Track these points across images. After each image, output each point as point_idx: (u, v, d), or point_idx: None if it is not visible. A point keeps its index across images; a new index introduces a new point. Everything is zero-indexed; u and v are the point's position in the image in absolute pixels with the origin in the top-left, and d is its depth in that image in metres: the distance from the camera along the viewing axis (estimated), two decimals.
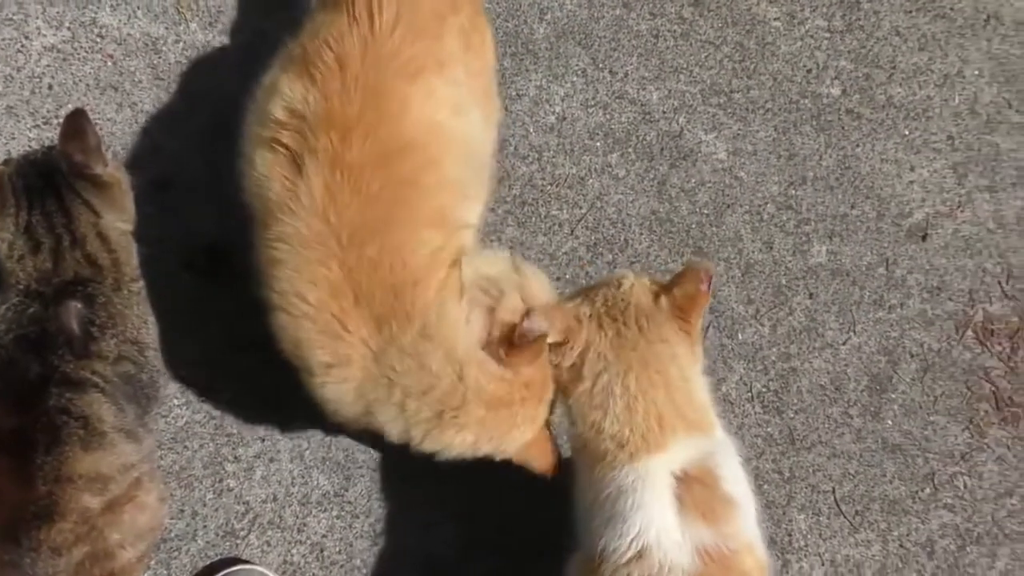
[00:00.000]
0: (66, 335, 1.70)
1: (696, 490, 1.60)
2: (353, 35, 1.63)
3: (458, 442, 1.70)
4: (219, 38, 2.30)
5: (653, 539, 1.58)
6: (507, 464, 2.08)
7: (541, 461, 1.78)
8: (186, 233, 2.18)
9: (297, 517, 2.07)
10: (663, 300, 1.70)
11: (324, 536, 2.07)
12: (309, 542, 2.06)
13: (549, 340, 1.70)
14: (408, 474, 2.11)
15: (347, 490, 2.09)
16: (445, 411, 1.67)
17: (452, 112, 1.68)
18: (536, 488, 2.06)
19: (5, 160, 1.85)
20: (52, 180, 1.78)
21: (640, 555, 1.57)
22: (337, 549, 2.06)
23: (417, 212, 1.63)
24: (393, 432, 1.72)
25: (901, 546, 2.16)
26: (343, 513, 2.08)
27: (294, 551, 2.05)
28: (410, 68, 1.63)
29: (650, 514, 1.59)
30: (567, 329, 1.71)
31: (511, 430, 1.72)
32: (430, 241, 1.64)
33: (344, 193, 1.59)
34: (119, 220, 1.84)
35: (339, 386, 1.68)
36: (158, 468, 1.95)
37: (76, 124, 1.78)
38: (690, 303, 1.69)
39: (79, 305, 1.72)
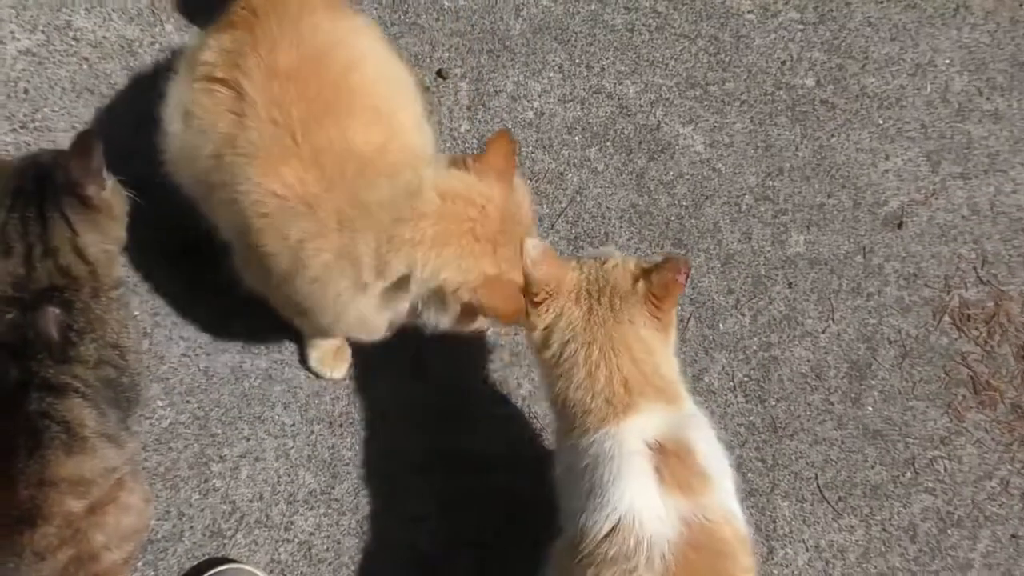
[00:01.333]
0: (45, 341, 1.69)
1: (672, 463, 1.60)
2: None
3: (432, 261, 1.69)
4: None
5: (632, 510, 1.57)
6: (493, 457, 2.11)
7: (503, 305, 1.70)
8: (161, 232, 2.17)
9: (284, 516, 2.07)
10: (640, 284, 1.72)
11: (312, 534, 2.07)
12: (297, 540, 2.06)
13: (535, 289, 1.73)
14: (394, 470, 2.12)
15: (333, 488, 2.10)
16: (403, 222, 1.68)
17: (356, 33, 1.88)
18: (522, 480, 2.08)
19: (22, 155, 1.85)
20: (43, 188, 1.77)
21: (618, 528, 1.57)
22: (325, 547, 2.06)
23: (353, 109, 1.75)
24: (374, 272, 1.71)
25: (884, 530, 2.19)
26: (330, 511, 2.08)
27: (282, 550, 2.05)
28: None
29: (629, 485, 1.59)
30: (550, 280, 1.73)
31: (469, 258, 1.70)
32: (373, 139, 1.74)
33: (287, 96, 1.70)
34: (101, 241, 1.82)
35: (319, 257, 1.70)
36: (142, 469, 1.95)
37: (83, 143, 1.78)
38: (664, 291, 1.71)
39: (57, 311, 1.71)
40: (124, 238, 1.88)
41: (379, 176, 1.70)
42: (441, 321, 1.77)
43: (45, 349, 1.68)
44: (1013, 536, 2.21)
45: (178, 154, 1.84)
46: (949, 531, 2.20)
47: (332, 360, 2.14)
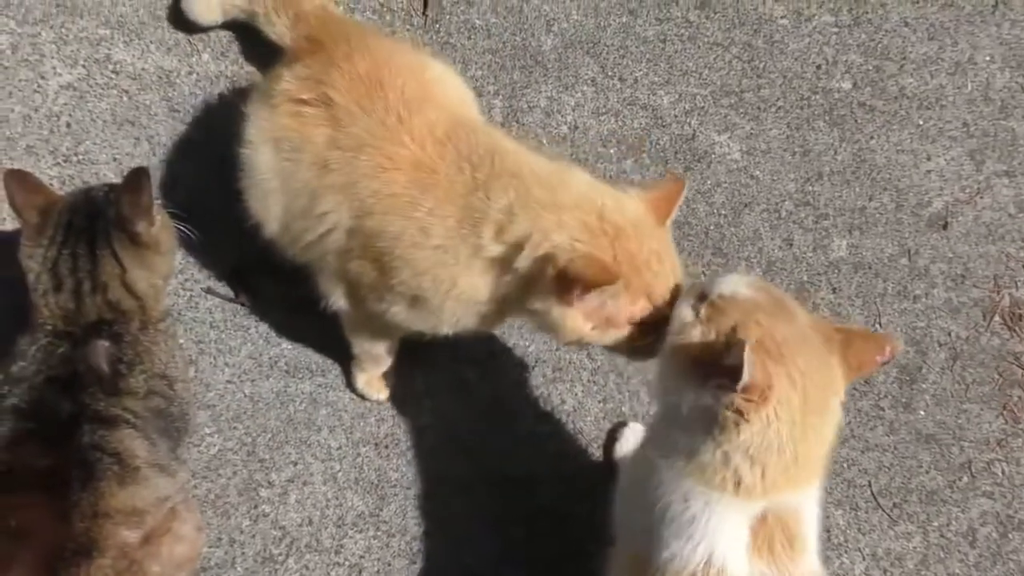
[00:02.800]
0: (96, 374, 1.72)
1: (773, 529, 1.54)
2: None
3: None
4: (231, 68, 2.31)
5: (718, 556, 1.52)
6: (538, 474, 2.09)
7: (592, 273, 1.63)
8: (208, 261, 2.20)
9: (334, 539, 2.07)
10: (835, 358, 1.57)
11: (362, 557, 2.07)
12: (347, 564, 2.06)
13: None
14: (441, 490, 2.11)
15: (382, 510, 2.09)
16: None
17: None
18: (567, 496, 2.07)
19: (75, 190, 1.88)
20: (94, 223, 1.80)
21: (700, 568, 1.52)
22: (375, 569, 2.06)
23: (439, 94, 1.88)
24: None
25: (942, 536, 2.14)
26: (379, 533, 2.08)
27: (333, 573, 2.05)
28: None
29: (722, 539, 1.53)
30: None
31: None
32: (470, 113, 1.94)
33: (377, 91, 1.81)
34: (149, 276, 1.84)
35: (445, 222, 1.73)
36: (193, 498, 1.96)
37: (135, 180, 1.80)
38: (859, 371, 1.60)
39: (107, 344, 1.74)
40: (173, 271, 1.91)
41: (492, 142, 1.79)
42: (533, 305, 1.72)
43: (96, 382, 1.71)
44: None
45: (270, 182, 1.88)
46: (1010, 535, 2.15)
47: (378, 382, 2.15)
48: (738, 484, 1.53)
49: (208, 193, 2.24)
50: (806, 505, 1.58)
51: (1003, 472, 2.20)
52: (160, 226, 1.85)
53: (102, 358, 1.72)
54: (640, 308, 1.69)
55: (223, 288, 2.19)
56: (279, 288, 2.16)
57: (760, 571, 1.53)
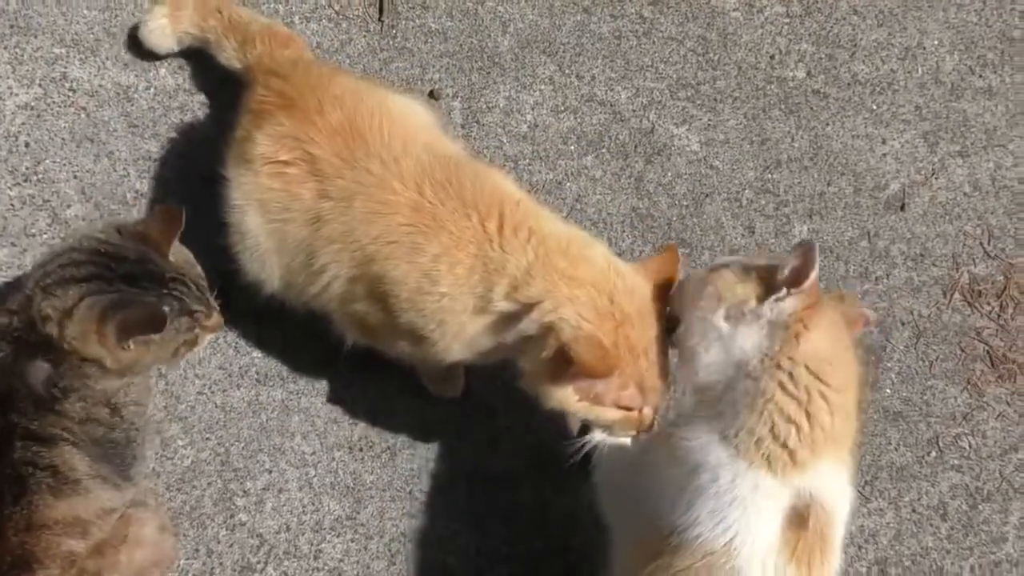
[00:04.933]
0: (30, 393, 1.65)
1: (805, 528, 1.56)
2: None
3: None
4: (189, 82, 2.32)
5: (745, 543, 1.54)
6: (516, 471, 2.10)
7: (591, 360, 1.67)
8: None
9: (312, 544, 2.07)
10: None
11: (341, 561, 2.07)
12: (326, 568, 2.06)
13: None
14: (416, 490, 2.11)
15: (358, 512, 2.10)
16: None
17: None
18: (547, 492, 2.08)
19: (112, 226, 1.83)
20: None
21: (720, 552, 1.54)
22: (355, 572, 2.06)
23: (414, 129, 1.91)
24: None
25: (914, 511, 2.17)
26: (357, 536, 2.08)
27: None
28: None
29: (754, 525, 1.55)
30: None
31: None
32: (449, 148, 1.94)
33: (357, 139, 1.83)
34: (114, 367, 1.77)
35: (454, 269, 1.75)
36: (156, 500, 1.94)
37: (149, 314, 1.70)
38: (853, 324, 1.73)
39: (47, 366, 1.67)
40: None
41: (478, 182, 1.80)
42: (526, 366, 1.77)
43: (29, 401, 1.64)
44: None
45: (264, 244, 1.89)
46: (980, 506, 2.18)
47: (447, 384, 2.17)
48: (782, 448, 1.57)
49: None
50: (843, 508, 1.61)
51: (970, 445, 2.24)
52: (132, 354, 1.73)
53: (39, 380, 1.66)
54: (629, 395, 1.74)
55: None
56: (247, 297, 2.15)
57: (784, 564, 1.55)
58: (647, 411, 1.77)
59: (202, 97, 2.31)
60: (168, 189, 2.25)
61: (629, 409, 1.76)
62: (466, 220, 1.76)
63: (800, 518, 1.55)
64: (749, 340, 1.63)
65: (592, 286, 1.72)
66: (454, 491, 2.12)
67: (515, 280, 1.73)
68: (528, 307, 1.72)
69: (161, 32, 2.24)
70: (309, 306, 1.93)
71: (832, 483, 1.61)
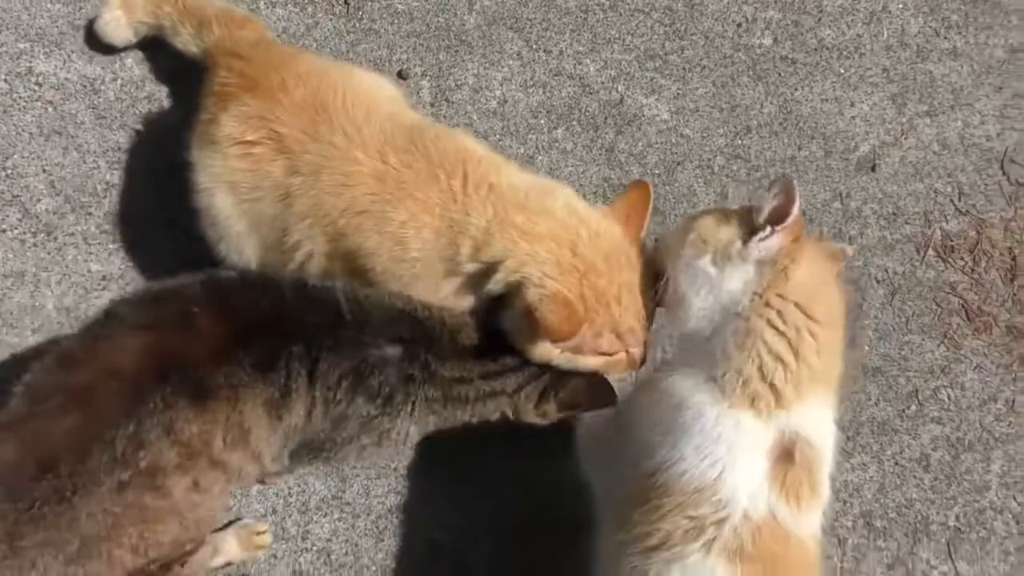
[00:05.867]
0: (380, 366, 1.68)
1: (792, 464, 1.58)
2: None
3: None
4: (155, 70, 2.31)
5: (731, 477, 1.57)
6: (498, 442, 2.10)
7: (558, 323, 1.69)
8: (147, 264, 2.19)
9: (299, 526, 2.07)
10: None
11: (329, 540, 2.06)
12: (315, 548, 2.06)
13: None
14: (401, 466, 2.11)
15: (344, 492, 2.09)
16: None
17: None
18: (532, 460, 2.08)
19: None
20: None
21: (708, 488, 1.57)
22: (344, 551, 2.06)
23: (377, 100, 1.91)
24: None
25: (896, 464, 2.19)
26: (344, 515, 2.08)
27: (301, 559, 2.05)
28: None
29: (740, 460, 1.57)
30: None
31: None
32: (412, 116, 1.95)
33: (322, 114, 1.83)
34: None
35: (421, 233, 1.76)
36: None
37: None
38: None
39: (399, 353, 1.70)
40: None
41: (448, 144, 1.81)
42: (504, 323, 1.78)
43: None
44: None
45: (236, 226, 1.89)
46: (962, 456, 2.20)
47: None
48: (769, 387, 1.59)
49: (143, 198, 2.24)
50: (828, 443, 1.63)
51: (949, 397, 2.25)
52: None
53: (387, 360, 1.68)
54: (606, 342, 1.75)
55: None
56: None
57: (779, 510, 1.57)
58: (633, 350, 1.78)
59: (169, 86, 2.30)
60: (139, 180, 2.25)
61: (611, 354, 1.76)
62: (433, 182, 1.77)
63: (787, 453, 1.57)
64: (738, 281, 1.65)
65: (552, 240, 1.73)
66: (438, 466, 2.12)
67: (476, 241, 1.74)
68: (492, 267, 1.73)
69: (116, 24, 2.22)
70: None
71: (817, 420, 1.63)
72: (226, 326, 1.59)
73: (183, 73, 2.25)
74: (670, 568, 1.56)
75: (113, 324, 1.59)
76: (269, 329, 1.62)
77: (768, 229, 1.63)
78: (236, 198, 1.87)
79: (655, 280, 1.78)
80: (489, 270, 1.74)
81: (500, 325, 1.78)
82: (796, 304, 1.62)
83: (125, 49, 2.30)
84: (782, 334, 1.61)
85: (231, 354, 1.57)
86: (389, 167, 1.78)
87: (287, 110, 1.84)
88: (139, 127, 2.29)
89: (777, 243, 1.63)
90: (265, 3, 2.44)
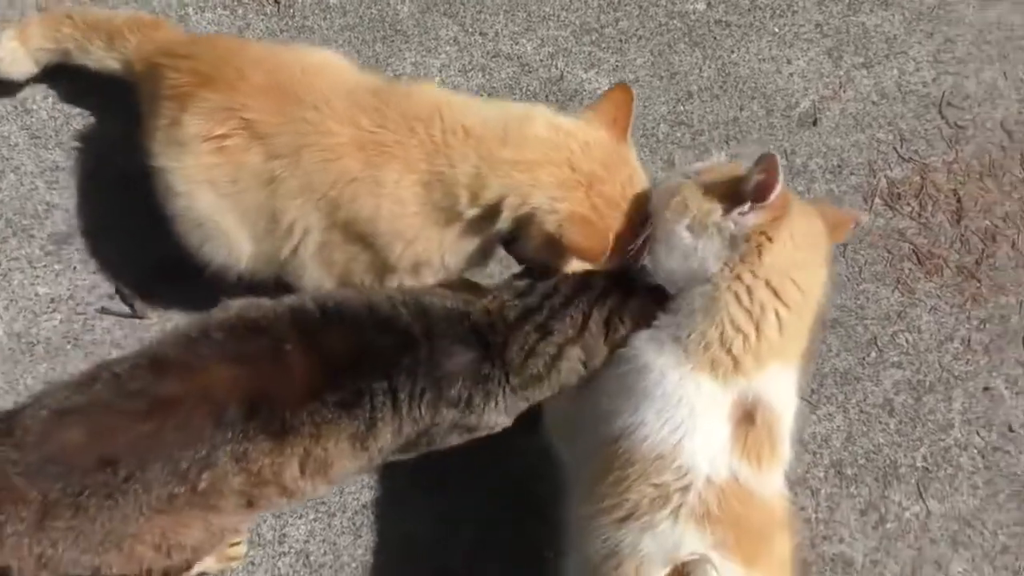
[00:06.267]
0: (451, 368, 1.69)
1: (753, 426, 1.61)
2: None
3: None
4: (87, 84, 2.26)
5: (692, 443, 1.58)
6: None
7: (587, 243, 1.73)
8: (96, 281, 2.16)
9: (275, 530, 2.05)
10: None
11: (306, 542, 2.05)
12: (293, 551, 2.04)
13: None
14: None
15: None
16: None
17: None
18: (506, 446, 2.07)
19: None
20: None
21: (668, 455, 1.58)
22: (322, 551, 2.04)
23: (340, 70, 1.94)
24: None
25: (861, 411, 2.21)
26: (319, 515, 2.06)
27: (280, 563, 2.03)
28: None
29: (701, 424, 1.59)
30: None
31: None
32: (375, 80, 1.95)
33: (286, 94, 1.83)
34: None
35: (413, 188, 1.77)
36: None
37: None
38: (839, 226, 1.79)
39: (472, 357, 1.70)
40: None
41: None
42: (526, 253, 1.82)
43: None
44: (985, 388, 2.25)
45: (223, 222, 1.87)
46: (924, 398, 2.23)
47: None
48: (727, 354, 1.61)
49: (86, 213, 2.21)
50: (788, 407, 1.66)
51: (907, 341, 2.28)
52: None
53: (462, 367, 1.68)
54: (624, 233, 1.77)
55: (117, 305, 2.15)
56: (178, 293, 2.13)
57: (741, 472, 1.59)
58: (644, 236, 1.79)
59: (101, 98, 2.26)
60: (80, 197, 2.21)
61: (635, 248, 1.78)
62: (411, 136, 1.77)
63: (747, 416, 1.58)
64: (711, 251, 1.66)
65: (547, 163, 1.74)
66: (411, 461, 2.10)
67: (471, 187, 1.75)
68: (494, 207, 1.74)
69: (13, 58, 2.12)
70: (285, 272, 1.91)
71: (776, 387, 1.65)
72: (315, 364, 1.61)
73: (113, 85, 2.21)
74: (642, 537, 1.57)
75: (208, 346, 1.60)
76: (354, 365, 1.63)
77: (747, 206, 1.63)
78: (217, 194, 1.85)
79: (642, 221, 1.78)
80: (491, 211, 1.75)
81: (521, 256, 1.83)
82: (767, 283, 1.63)
83: (26, 83, 2.23)
84: (746, 310, 1.62)
85: (317, 393, 1.59)
86: (364, 131, 1.78)
87: (251, 96, 1.82)
88: (76, 144, 2.25)
89: (754, 220, 1.63)
90: (194, 8, 2.41)
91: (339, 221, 1.81)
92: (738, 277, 1.63)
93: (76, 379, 1.61)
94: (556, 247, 1.75)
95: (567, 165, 1.75)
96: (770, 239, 1.63)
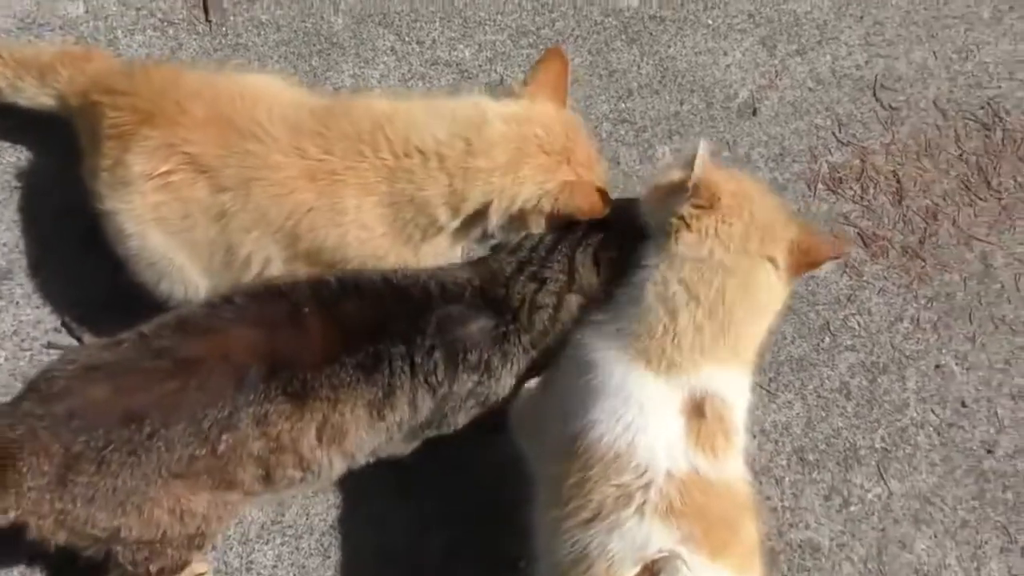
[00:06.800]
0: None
1: (705, 419, 1.63)
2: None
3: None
4: (19, 119, 2.20)
5: (646, 443, 1.60)
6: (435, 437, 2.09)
7: (586, 202, 1.80)
8: (40, 316, 2.11)
9: (242, 558, 2.02)
10: (792, 231, 1.73)
11: (275, 567, 2.02)
12: None
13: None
14: (339, 480, 2.08)
15: (283, 515, 2.05)
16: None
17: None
18: (467, 452, 2.07)
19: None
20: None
21: (624, 450, 1.59)
22: (291, 574, 2.02)
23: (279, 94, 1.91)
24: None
25: (819, 397, 2.24)
26: (286, 539, 2.04)
27: None
28: None
29: (655, 420, 1.61)
30: (716, 188, 1.68)
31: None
32: (318, 99, 1.93)
33: (228, 125, 1.80)
34: None
35: (376, 211, 1.79)
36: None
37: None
38: (811, 255, 1.74)
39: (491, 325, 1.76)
40: None
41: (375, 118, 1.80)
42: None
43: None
44: (937, 366, 2.29)
45: (176, 259, 1.85)
46: (879, 379, 2.27)
47: None
48: (660, 347, 1.63)
49: (26, 248, 2.16)
50: (740, 400, 1.69)
51: (859, 324, 2.32)
52: None
53: (481, 336, 1.75)
54: (604, 184, 1.88)
55: (64, 338, 2.10)
56: (126, 322, 2.08)
57: (699, 463, 1.60)
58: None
59: (37, 132, 2.20)
60: (19, 232, 2.16)
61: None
62: (360, 159, 1.76)
63: (697, 408, 1.60)
64: (652, 243, 1.72)
65: (523, 158, 1.78)
66: (372, 469, 2.08)
67: (450, 203, 1.77)
68: (481, 213, 1.77)
69: None
70: None
71: (722, 381, 1.67)
72: (333, 328, 1.66)
73: (48, 118, 2.16)
74: (610, 538, 1.58)
75: (231, 310, 1.66)
76: (372, 330, 1.68)
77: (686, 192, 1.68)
78: (168, 232, 1.83)
79: None
80: (477, 216, 1.78)
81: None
82: (679, 273, 1.67)
83: None
84: (663, 301, 1.66)
85: (336, 356, 1.64)
86: (312, 160, 1.76)
87: (193, 130, 1.79)
88: (12, 179, 2.20)
89: (678, 207, 1.67)
90: (123, 32, 2.36)
91: (302, 251, 1.79)
92: (658, 266, 1.68)
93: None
94: (559, 218, 1.80)
95: (541, 152, 1.79)
96: (687, 226, 1.67)
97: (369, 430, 1.72)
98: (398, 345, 1.68)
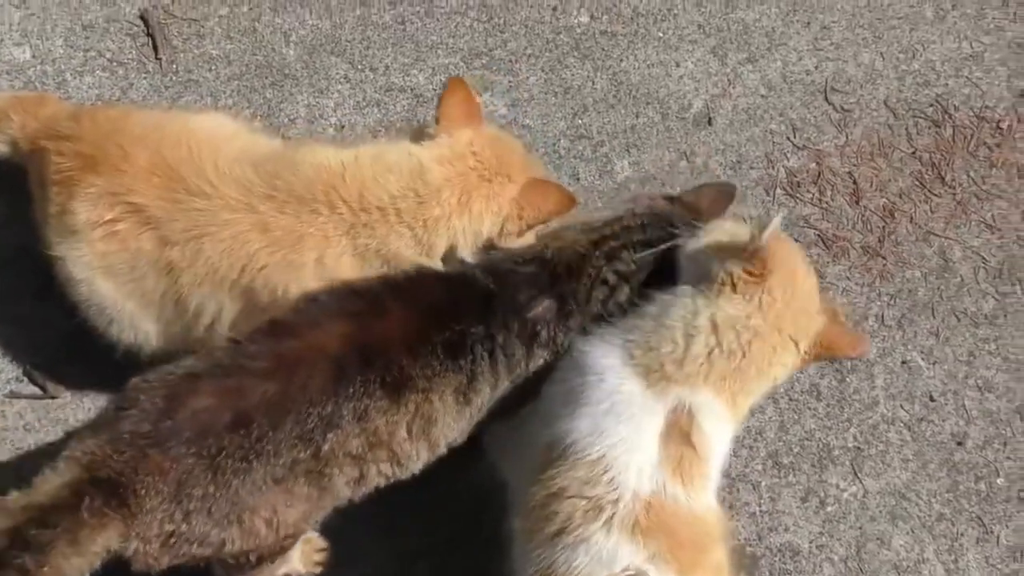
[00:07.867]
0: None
1: (682, 444, 1.63)
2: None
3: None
4: None
5: (622, 457, 1.60)
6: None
7: (553, 205, 1.86)
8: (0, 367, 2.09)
9: None
10: (824, 321, 1.76)
11: None
12: None
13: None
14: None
15: None
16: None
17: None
18: (448, 476, 2.06)
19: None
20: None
21: (598, 461, 1.60)
22: None
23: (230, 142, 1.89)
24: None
25: (790, 400, 2.26)
26: None
27: None
28: None
29: (632, 435, 1.62)
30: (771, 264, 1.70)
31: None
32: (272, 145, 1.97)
33: (174, 174, 1.78)
34: None
35: (341, 260, 1.79)
36: None
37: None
38: (831, 349, 1.77)
39: (554, 304, 1.77)
40: None
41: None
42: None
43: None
44: (903, 362, 2.31)
45: (126, 308, 1.83)
46: (848, 379, 2.29)
47: None
48: (659, 363, 1.65)
49: None
50: (720, 443, 1.69)
51: None
52: None
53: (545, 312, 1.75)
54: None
55: (27, 387, 2.07)
56: (90, 367, 2.06)
57: (670, 485, 1.61)
58: None
59: None
60: None
61: None
62: (315, 217, 1.75)
63: (682, 433, 1.61)
64: (691, 273, 1.76)
65: (469, 193, 1.80)
66: (357, 508, 2.07)
67: (419, 248, 1.79)
68: (452, 248, 1.80)
69: None
70: (201, 346, 1.85)
71: (710, 413, 1.67)
72: (415, 314, 1.68)
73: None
74: (576, 552, 1.58)
75: (317, 307, 1.67)
76: (451, 316, 1.69)
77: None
78: (116, 281, 1.81)
79: None
80: (448, 253, 1.81)
81: None
82: (711, 319, 1.68)
83: None
84: (685, 324, 1.68)
85: (425, 342, 1.66)
86: (264, 216, 1.75)
87: (137, 179, 1.78)
88: None
89: (731, 267, 1.70)
90: (72, 73, 2.34)
91: (260, 303, 1.77)
92: (693, 296, 1.69)
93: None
94: (532, 227, 1.84)
95: (484, 181, 1.82)
96: (733, 287, 1.68)
97: (456, 416, 1.72)
98: (476, 325, 1.69)
